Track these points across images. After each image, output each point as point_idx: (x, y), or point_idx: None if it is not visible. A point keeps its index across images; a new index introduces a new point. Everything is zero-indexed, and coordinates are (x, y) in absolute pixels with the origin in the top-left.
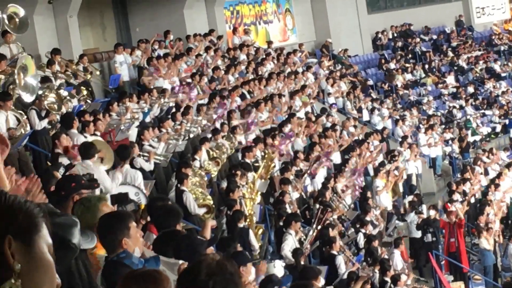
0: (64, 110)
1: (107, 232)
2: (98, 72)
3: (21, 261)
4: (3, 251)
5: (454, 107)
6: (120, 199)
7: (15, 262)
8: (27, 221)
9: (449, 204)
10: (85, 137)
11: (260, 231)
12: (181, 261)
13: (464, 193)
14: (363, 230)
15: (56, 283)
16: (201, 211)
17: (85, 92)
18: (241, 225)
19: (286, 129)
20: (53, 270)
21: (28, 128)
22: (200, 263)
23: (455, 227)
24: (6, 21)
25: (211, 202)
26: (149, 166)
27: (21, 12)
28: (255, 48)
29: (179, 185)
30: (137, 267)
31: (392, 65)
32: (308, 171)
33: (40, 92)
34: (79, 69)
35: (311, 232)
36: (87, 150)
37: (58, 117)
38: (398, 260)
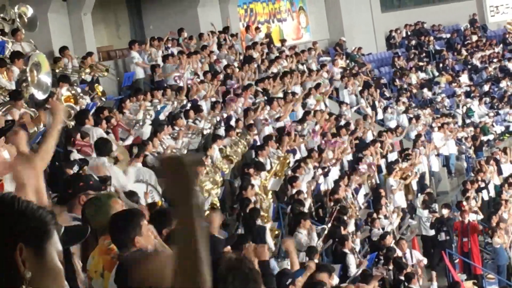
0: (77, 108)
1: (119, 230)
2: (105, 73)
3: (32, 268)
4: (15, 259)
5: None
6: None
7: (26, 270)
8: (40, 228)
9: (464, 203)
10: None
11: (276, 233)
12: None
13: (476, 191)
14: (375, 228)
15: None
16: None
17: (100, 88)
18: (258, 222)
19: (299, 127)
20: (62, 277)
21: (42, 126)
22: (219, 259)
23: (469, 227)
24: (17, 19)
25: (216, 201)
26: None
27: (30, 11)
28: (267, 46)
29: None
30: None
31: (400, 63)
32: (321, 171)
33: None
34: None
35: (326, 232)
36: (103, 146)
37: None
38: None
